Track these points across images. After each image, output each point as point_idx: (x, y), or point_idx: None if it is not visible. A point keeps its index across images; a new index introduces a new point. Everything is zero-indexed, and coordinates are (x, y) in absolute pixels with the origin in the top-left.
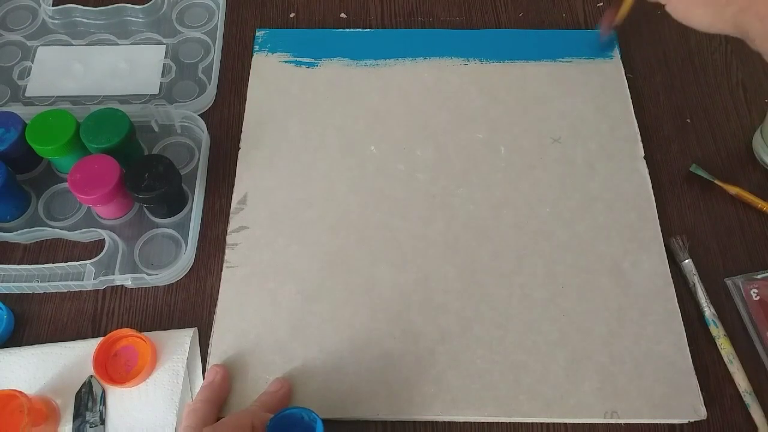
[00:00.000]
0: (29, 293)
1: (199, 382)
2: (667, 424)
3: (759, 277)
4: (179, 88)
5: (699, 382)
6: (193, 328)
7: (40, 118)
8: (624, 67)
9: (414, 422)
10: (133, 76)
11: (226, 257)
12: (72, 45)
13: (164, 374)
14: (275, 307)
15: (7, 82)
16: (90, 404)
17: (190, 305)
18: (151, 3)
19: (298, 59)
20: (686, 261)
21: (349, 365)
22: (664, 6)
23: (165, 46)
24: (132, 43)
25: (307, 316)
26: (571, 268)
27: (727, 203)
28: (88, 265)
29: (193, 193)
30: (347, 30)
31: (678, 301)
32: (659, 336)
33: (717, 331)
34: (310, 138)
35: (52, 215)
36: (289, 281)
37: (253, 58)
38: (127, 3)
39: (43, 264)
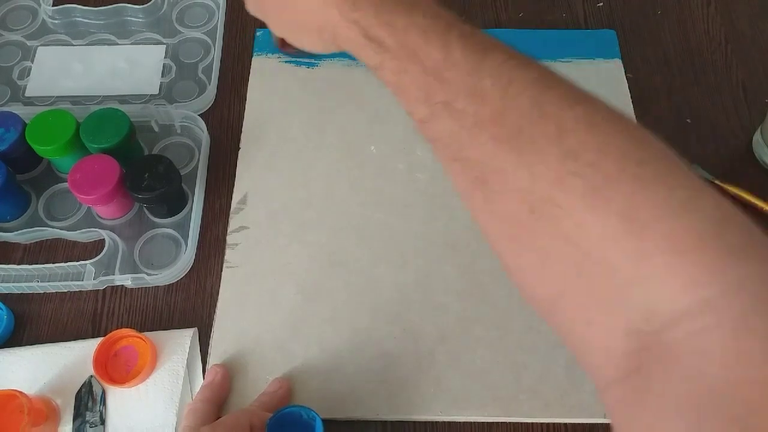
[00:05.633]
0: (29, 293)
1: (199, 382)
2: None
3: None
4: (179, 88)
5: None
6: (193, 328)
7: (40, 118)
8: (624, 67)
9: (414, 422)
10: (133, 76)
11: (226, 257)
12: (72, 45)
13: (164, 374)
14: (275, 307)
15: (7, 82)
16: (90, 404)
17: (190, 305)
18: (151, 3)
19: (298, 59)
20: None
21: (349, 365)
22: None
23: (165, 46)
24: (132, 43)
25: (307, 316)
26: None
27: None
28: (88, 265)
29: (193, 193)
30: None
31: None
32: None
33: None
34: (310, 138)
35: (52, 215)
36: (289, 281)
37: (253, 58)
38: (127, 3)
39: (43, 264)
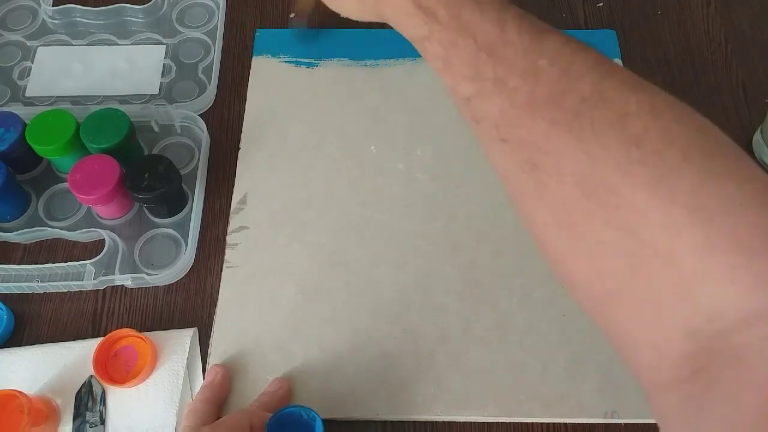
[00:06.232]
0: (29, 293)
1: (199, 382)
2: None
3: None
4: (179, 88)
5: None
6: (193, 328)
7: (40, 118)
8: (624, 67)
9: (414, 422)
10: (133, 76)
11: (226, 257)
12: (72, 45)
13: (164, 374)
14: (275, 307)
15: (7, 82)
16: (90, 404)
17: (190, 305)
18: (151, 3)
19: (298, 59)
20: None
21: (349, 365)
22: None
23: (165, 46)
24: (132, 43)
25: (307, 316)
26: None
27: None
28: (88, 265)
29: (193, 193)
30: (347, 30)
31: None
32: None
33: None
34: (310, 138)
35: (52, 215)
36: (289, 281)
37: (253, 58)
38: (127, 3)
39: (43, 264)
